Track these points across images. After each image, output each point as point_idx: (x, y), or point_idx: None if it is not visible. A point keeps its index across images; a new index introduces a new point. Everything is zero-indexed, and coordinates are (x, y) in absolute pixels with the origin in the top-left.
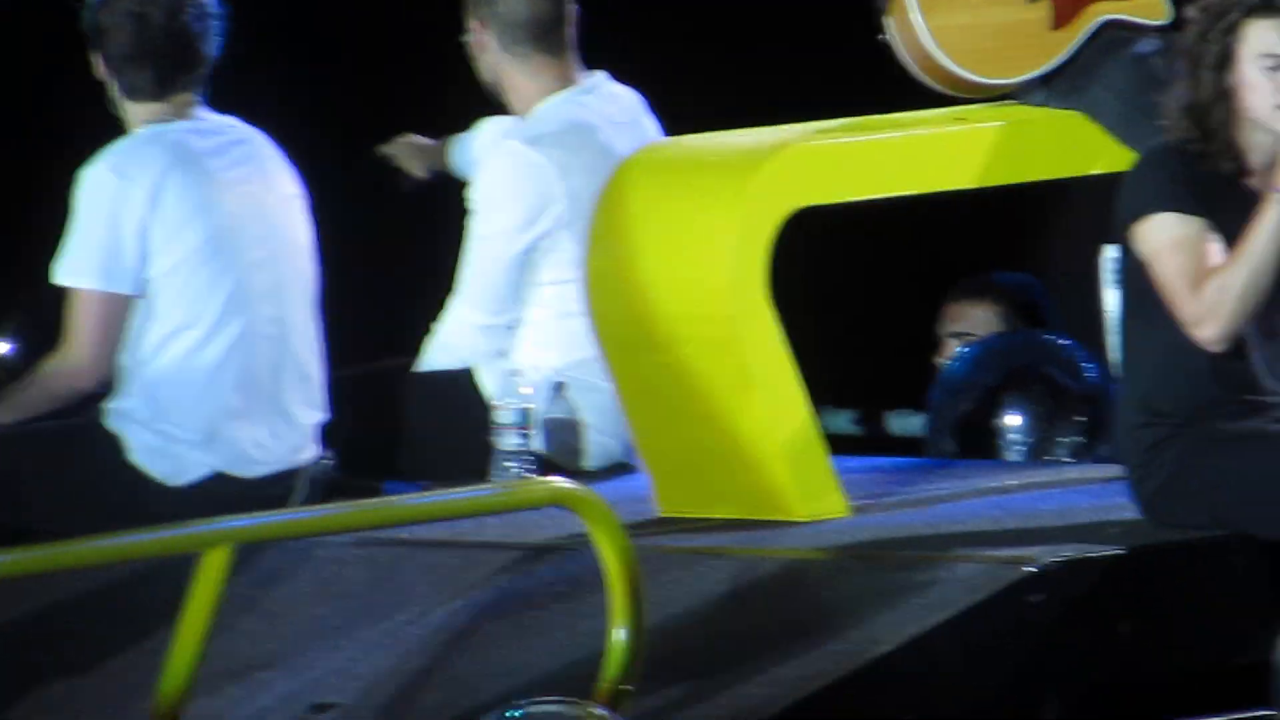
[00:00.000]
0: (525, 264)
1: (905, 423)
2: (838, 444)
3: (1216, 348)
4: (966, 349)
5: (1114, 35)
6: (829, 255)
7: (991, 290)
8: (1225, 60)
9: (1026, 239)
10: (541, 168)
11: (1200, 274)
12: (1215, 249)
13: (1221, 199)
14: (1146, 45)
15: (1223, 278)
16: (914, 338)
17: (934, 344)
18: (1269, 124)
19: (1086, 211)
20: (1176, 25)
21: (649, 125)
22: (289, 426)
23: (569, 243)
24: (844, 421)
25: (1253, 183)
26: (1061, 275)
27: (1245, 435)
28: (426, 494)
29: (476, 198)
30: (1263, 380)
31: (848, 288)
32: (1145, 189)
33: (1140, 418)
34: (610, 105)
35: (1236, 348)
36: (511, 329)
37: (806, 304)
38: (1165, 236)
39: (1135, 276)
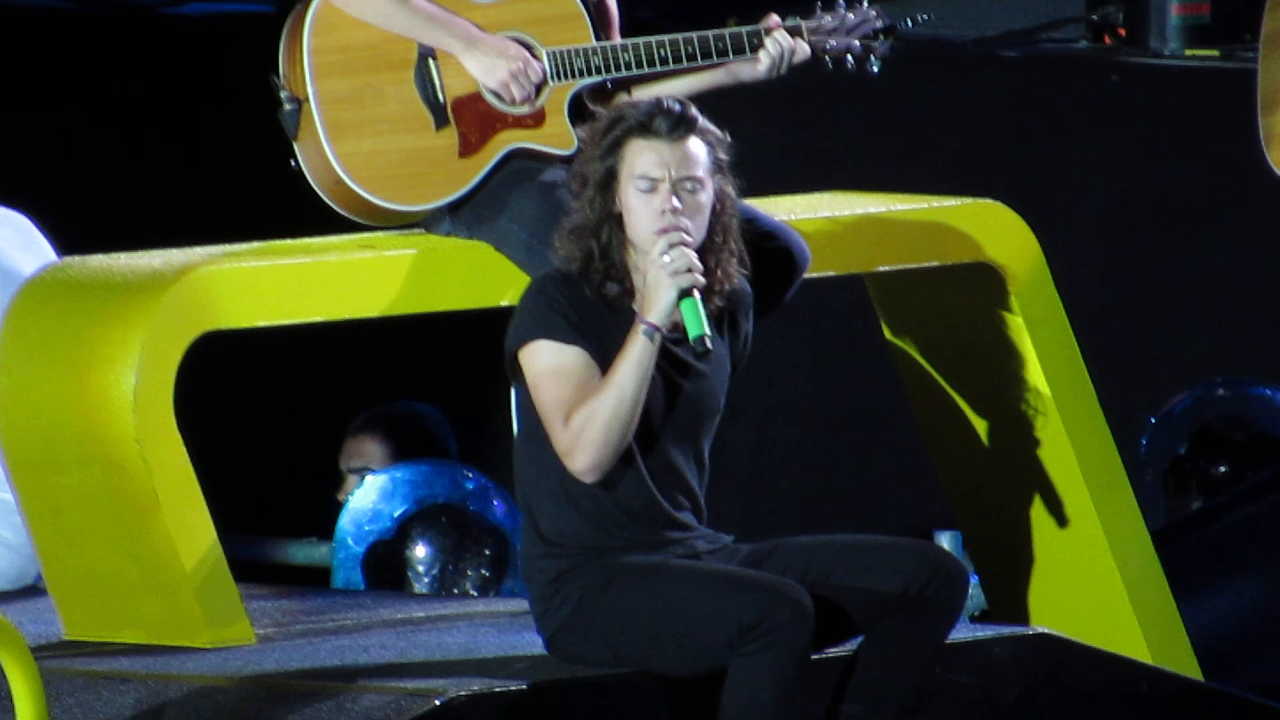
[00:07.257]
0: None
1: (310, 552)
2: (243, 571)
3: (589, 479)
4: (373, 476)
5: (521, 165)
6: (238, 380)
7: (383, 423)
8: (610, 181)
9: (436, 369)
10: None
11: (575, 404)
12: (597, 378)
13: (608, 324)
14: (553, 175)
15: (589, 408)
16: (323, 466)
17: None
18: (649, 250)
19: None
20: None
21: (45, 245)
22: None
23: None
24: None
25: (636, 306)
26: (470, 406)
27: (647, 570)
28: None
29: None
30: (664, 513)
31: (257, 414)
32: (525, 317)
33: (540, 549)
34: (4, 228)
35: (635, 479)
36: None
37: (214, 429)
38: (541, 365)
39: (528, 406)
